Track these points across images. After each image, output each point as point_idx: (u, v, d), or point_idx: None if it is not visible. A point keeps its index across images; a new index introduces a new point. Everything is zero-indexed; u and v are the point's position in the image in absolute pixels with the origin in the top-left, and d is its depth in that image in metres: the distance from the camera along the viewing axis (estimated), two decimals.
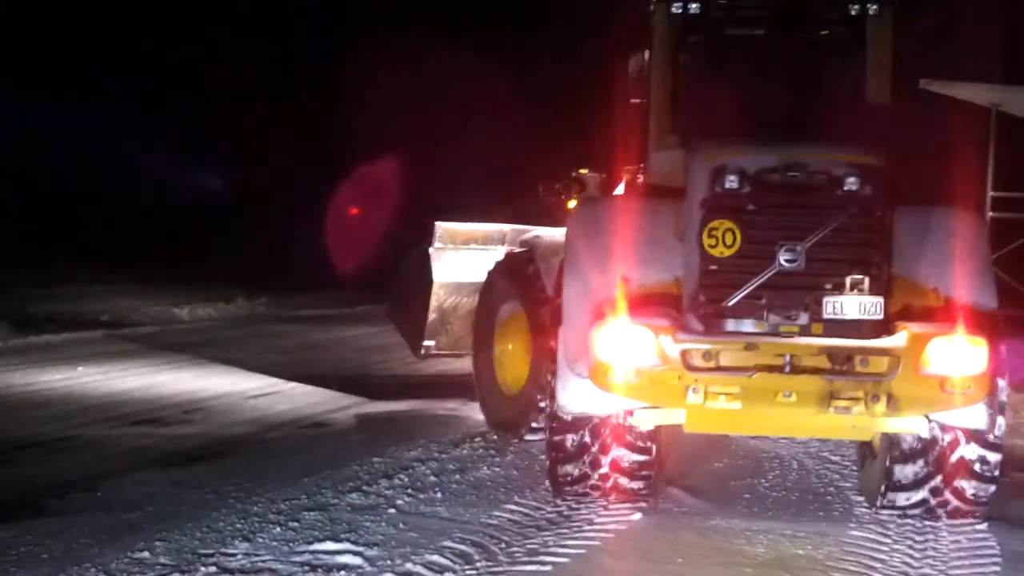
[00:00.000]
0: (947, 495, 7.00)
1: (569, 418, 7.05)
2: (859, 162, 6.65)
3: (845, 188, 6.61)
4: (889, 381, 6.35)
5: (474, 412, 10.47)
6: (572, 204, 9.79)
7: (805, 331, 6.53)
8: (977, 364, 6.33)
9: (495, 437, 9.65)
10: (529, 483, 8.00)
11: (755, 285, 6.55)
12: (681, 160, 7.37)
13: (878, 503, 7.22)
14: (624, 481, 7.21)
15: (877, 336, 6.50)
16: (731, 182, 6.64)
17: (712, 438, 8.85)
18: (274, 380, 12.99)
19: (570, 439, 7.13)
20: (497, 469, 8.51)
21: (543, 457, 7.85)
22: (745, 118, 7.75)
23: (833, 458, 8.99)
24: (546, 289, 8.84)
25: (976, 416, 6.68)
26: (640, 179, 8.36)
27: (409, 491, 7.71)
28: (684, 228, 6.92)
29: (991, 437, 6.83)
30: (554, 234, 9.76)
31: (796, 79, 8.25)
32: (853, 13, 7.73)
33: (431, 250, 11.15)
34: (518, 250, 10.36)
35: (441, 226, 11.18)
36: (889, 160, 6.82)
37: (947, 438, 6.87)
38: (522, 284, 9.58)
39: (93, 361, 14.44)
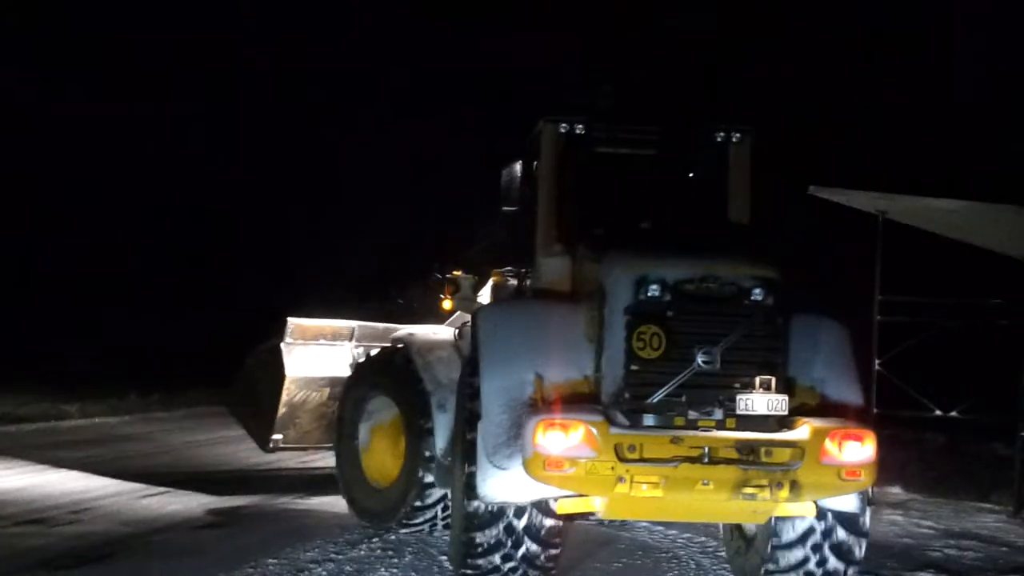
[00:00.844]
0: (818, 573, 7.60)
1: (486, 508, 7.37)
2: (762, 275, 7.29)
3: (752, 298, 7.24)
4: (795, 470, 6.90)
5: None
6: (447, 304, 10.36)
7: (720, 425, 7.07)
8: (868, 454, 6.98)
9: (393, 537, 9.53)
10: None
11: (676, 384, 7.05)
12: (567, 266, 8.25)
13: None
14: (533, 573, 7.52)
15: (782, 430, 7.07)
16: (653, 291, 7.20)
17: (598, 533, 9.16)
18: (165, 478, 12.67)
19: (486, 532, 7.43)
20: (395, 571, 8.42)
21: (443, 557, 8.16)
22: (625, 229, 8.52)
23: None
24: (425, 384, 9.32)
25: (851, 503, 7.42)
26: (515, 282, 9.23)
27: None
28: (602, 331, 7.35)
29: (861, 523, 7.55)
30: (427, 332, 10.20)
31: (670, 194, 9.13)
32: (718, 139, 8.77)
33: (283, 345, 11.44)
34: (388, 346, 10.54)
35: (293, 322, 11.53)
36: (784, 272, 7.39)
37: (823, 525, 7.53)
38: (395, 379, 9.81)
39: None
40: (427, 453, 9.24)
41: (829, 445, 6.93)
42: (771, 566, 7.66)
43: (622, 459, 6.85)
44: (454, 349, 9.66)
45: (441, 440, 9.11)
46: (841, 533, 7.56)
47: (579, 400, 7.22)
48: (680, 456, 6.88)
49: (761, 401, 7.04)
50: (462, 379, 8.15)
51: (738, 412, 7.05)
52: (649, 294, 7.18)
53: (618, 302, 7.25)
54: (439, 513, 9.54)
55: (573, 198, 8.68)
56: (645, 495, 6.88)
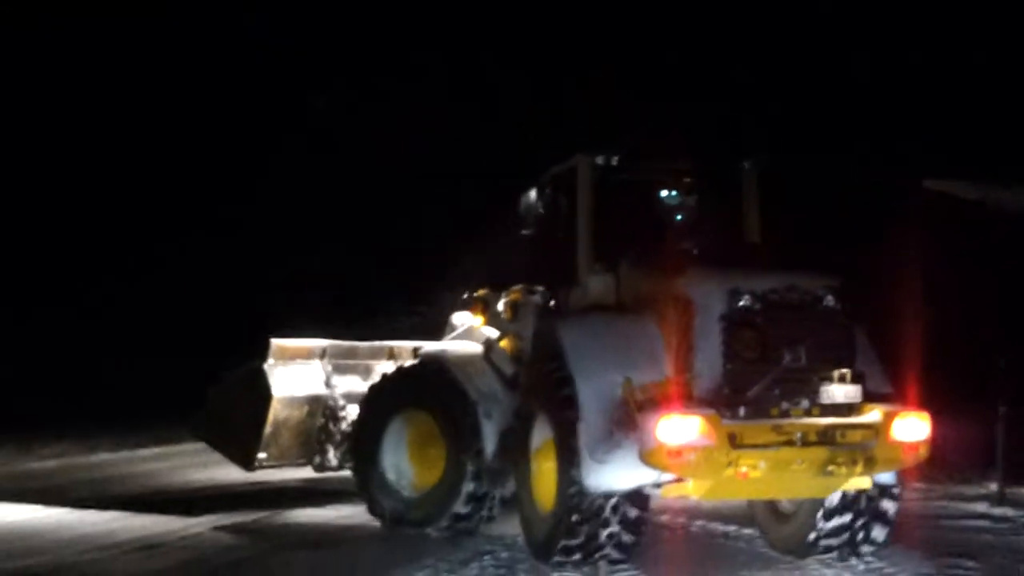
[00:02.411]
0: (860, 539, 8.96)
1: (585, 499, 8.37)
2: (831, 284, 8.64)
3: (824, 304, 8.55)
4: (871, 448, 8.20)
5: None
6: (480, 320, 11.18)
7: (807, 413, 8.30)
8: (926, 432, 8.39)
9: (504, 555, 9.57)
10: None
11: (770, 379, 8.29)
12: (611, 282, 9.53)
13: (805, 552, 9.07)
14: (615, 553, 8.64)
15: (858, 415, 8.37)
16: (745, 300, 8.41)
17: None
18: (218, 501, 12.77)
19: (582, 520, 8.44)
20: None
21: (555, 573, 8.60)
22: (655, 248, 9.66)
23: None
24: (470, 395, 10.25)
25: (891, 475, 8.73)
26: (538, 299, 10.32)
27: None
28: (690, 336, 8.41)
29: (896, 492, 8.94)
30: (457, 347, 11.07)
31: (695, 215, 10.14)
32: (731, 169, 10.20)
33: (266, 367, 12.05)
34: (415, 363, 11.20)
35: (275, 343, 12.18)
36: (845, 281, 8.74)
37: (867, 494, 8.82)
38: (432, 392, 10.59)
39: None
40: (474, 459, 10.13)
41: (897, 425, 8.26)
42: (820, 531, 8.90)
43: (734, 446, 7.93)
44: (486, 362, 10.56)
45: (490, 445, 10.08)
46: (882, 501, 8.84)
47: (672, 398, 8.19)
48: (779, 441, 8.09)
49: (840, 391, 8.30)
50: (547, 386, 8.91)
51: (821, 401, 8.28)
52: (741, 303, 8.37)
53: (712, 311, 8.36)
54: (485, 514, 10.42)
55: (608, 223, 9.77)
56: (754, 476, 8.04)
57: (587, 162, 9.81)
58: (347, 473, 11.93)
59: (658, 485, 8.48)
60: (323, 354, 12.57)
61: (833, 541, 8.96)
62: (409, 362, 11.49)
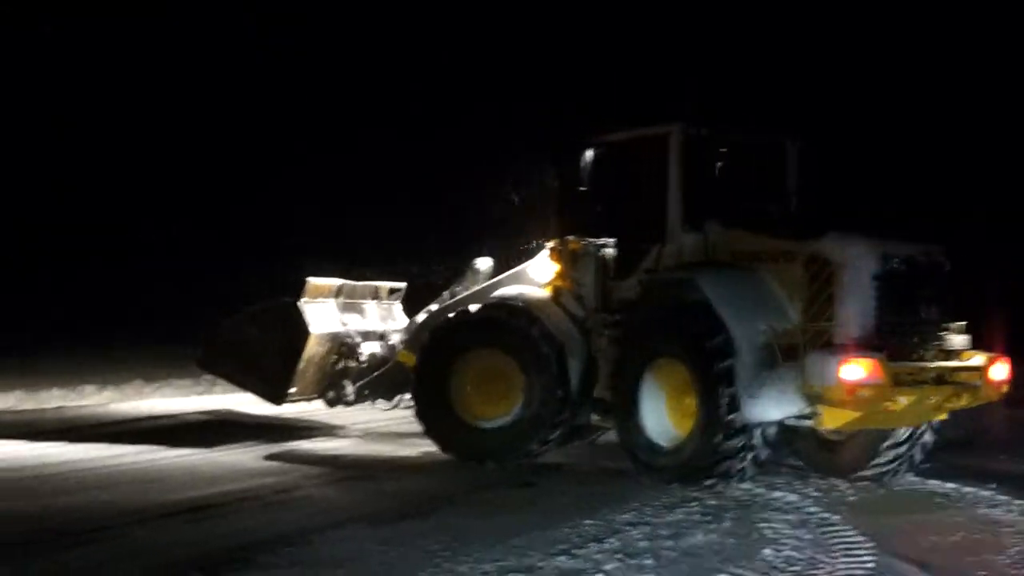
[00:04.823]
0: (905, 465, 10.50)
1: (741, 425, 9.62)
2: (944, 252, 10.22)
3: (945, 268, 10.19)
4: (977, 386, 9.88)
5: None
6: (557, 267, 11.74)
7: (937, 358, 9.92)
8: (1008, 373, 10.10)
9: (713, 501, 9.41)
10: (746, 552, 7.77)
11: (912, 330, 9.91)
12: (701, 241, 10.63)
13: (857, 476, 10.41)
14: (751, 470, 9.91)
15: (966, 359, 10.01)
16: (895, 262, 9.84)
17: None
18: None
19: (735, 442, 9.68)
20: (712, 536, 8.26)
21: (762, 524, 8.48)
22: (734, 209, 10.82)
23: None
24: (556, 336, 11.20)
25: None
26: (598, 252, 11.28)
27: (619, 556, 7.60)
28: (844, 291, 9.57)
29: (938, 428, 10.61)
30: (531, 292, 11.74)
31: (760, 183, 11.47)
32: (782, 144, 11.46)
33: (302, 304, 12.46)
34: (489, 305, 11.73)
35: (311, 281, 12.74)
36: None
37: (919, 430, 10.43)
38: (514, 332, 11.31)
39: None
40: (559, 393, 11.03)
41: (994, 367, 9.95)
42: (878, 460, 10.40)
43: (895, 384, 9.30)
44: (556, 305, 11.49)
45: (575, 380, 11.10)
46: (928, 435, 10.49)
47: (846, 343, 9.38)
48: (923, 380, 9.63)
49: (958, 339, 10.07)
50: (692, 331, 9.95)
51: (943, 348, 9.99)
52: (893, 265, 9.77)
53: (863, 272, 9.59)
54: (556, 440, 11.28)
55: (694, 187, 10.77)
56: (895, 409, 9.45)
57: (683, 130, 10.73)
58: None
59: (802, 416, 9.64)
60: (338, 293, 13.07)
61: (887, 466, 10.44)
62: (475, 305, 11.83)
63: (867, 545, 7.98)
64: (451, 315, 11.94)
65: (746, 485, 9.97)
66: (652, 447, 10.27)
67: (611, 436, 11.11)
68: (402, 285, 14.10)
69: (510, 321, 11.42)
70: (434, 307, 12.80)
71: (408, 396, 12.35)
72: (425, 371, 11.76)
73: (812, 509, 9.21)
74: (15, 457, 11.65)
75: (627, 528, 8.34)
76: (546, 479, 10.64)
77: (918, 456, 10.51)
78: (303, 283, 12.70)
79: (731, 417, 9.58)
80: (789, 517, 8.86)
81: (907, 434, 10.33)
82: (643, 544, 7.87)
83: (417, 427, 11.87)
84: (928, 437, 10.50)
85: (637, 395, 10.36)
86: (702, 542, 8.01)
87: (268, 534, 8.12)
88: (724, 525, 8.55)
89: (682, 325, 10.18)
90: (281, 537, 7.99)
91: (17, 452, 11.98)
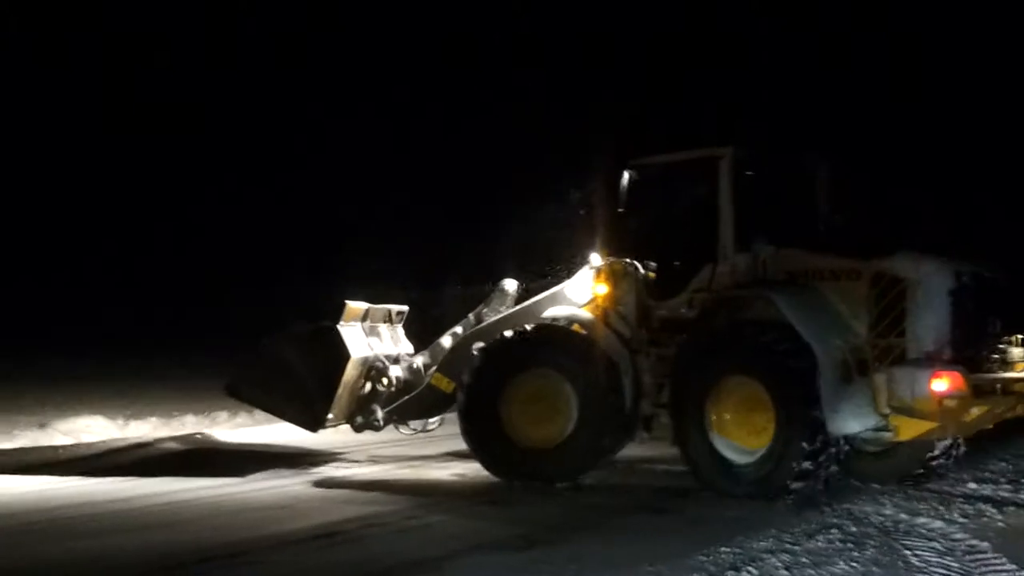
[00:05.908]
0: (945, 463, 11.16)
1: (827, 441, 9.95)
2: (998, 270, 10.85)
3: (1001, 284, 10.79)
4: None
5: None
6: (603, 289, 11.71)
7: (999, 369, 10.49)
8: None
9: (855, 528, 9.06)
10: None
11: (979, 343, 10.44)
12: (750, 261, 10.85)
13: (895, 480, 10.88)
14: (820, 487, 10.21)
15: (1020, 370, 10.59)
16: (966, 280, 10.29)
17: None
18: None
19: (823, 456, 9.98)
20: (856, 564, 7.91)
21: (907, 552, 8.14)
22: (781, 228, 11.01)
23: None
24: (611, 355, 11.32)
25: None
26: (640, 271, 11.53)
27: None
28: (918, 307, 9.99)
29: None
30: (579, 312, 11.79)
31: (806, 202, 11.71)
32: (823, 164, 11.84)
33: (341, 328, 12.34)
34: (542, 326, 11.70)
35: (350, 305, 12.59)
36: None
37: (953, 440, 10.95)
38: (569, 352, 11.42)
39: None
40: (615, 413, 11.13)
41: None
42: (927, 464, 10.98)
43: (975, 396, 9.76)
44: (605, 326, 11.56)
45: (629, 397, 11.22)
46: (958, 446, 11.11)
47: (933, 358, 9.82)
48: (995, 391, 10.14)
49: (1017, 352, 10.68)
50: (772, 349, 10.10)
51: (1005, 360, 10.53)
52: (964, 281, 10.20)
53: (937, 289, 10.03)
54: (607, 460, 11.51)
55: (743, 209, 10.99)
56: (968, 420, 9.87)
57: (735, 152, 10.99)
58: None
59: (877, 429, 10.07)
60: (365, 316, 12.91)
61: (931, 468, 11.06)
62: (521, 327, 11.67)
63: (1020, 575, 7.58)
64: (508, 334, 11.73)
65: (888, 511, 9.67)
66: (722, 462, 10.37)
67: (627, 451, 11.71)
68: (405, 308, 13.86)
69: (568, 341, 11.55)
70: (459, 329, 12.77)
71: (434, 421, 12.58)
72: (477, 391, 11.64)
73: (959, 536, 8.74)
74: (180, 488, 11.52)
75: (766, 555, 8.01)
76: (675, 504, 10.40)
77: (949, 466, 11.20)
78: (342, 306, 12.57)
79: (816, 433, 9.86)
80: (935, 544, 8.45)
81: (949, 442, 10.88)
82: (783, 573, 7.58)
83: (423, 449, 12.03)
84: (958, 448, 11.17)
85: (703, 412, 10.45)
86: (845, 571, 7.66)
87: (401, 559, 8.09)
88: (867, 553, 8.15)
89: (761, 344, 10.28)
90: (413, 563, 7.94)
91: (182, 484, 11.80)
